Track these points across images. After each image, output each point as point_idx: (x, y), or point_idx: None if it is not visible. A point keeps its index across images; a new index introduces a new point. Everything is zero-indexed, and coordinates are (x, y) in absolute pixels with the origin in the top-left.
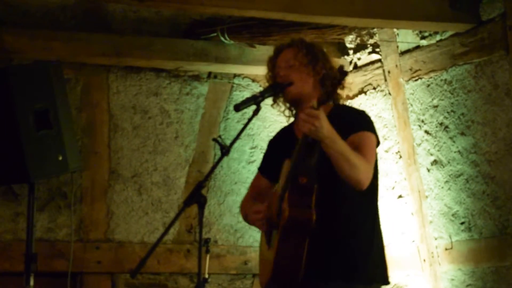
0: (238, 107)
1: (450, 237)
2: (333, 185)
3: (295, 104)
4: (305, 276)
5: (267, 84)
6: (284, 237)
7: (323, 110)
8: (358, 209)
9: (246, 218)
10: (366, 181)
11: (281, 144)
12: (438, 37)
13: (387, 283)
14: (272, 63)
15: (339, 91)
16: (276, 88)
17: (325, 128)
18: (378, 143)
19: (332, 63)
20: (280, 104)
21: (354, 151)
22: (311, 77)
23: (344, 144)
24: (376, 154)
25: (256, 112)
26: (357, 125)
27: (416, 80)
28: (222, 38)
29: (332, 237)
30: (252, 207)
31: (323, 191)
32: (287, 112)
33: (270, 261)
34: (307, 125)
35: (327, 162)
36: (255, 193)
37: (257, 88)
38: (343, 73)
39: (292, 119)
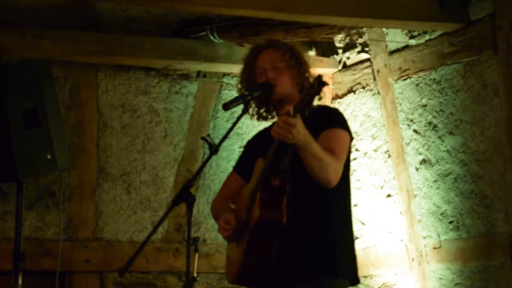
0: (227, 106)
1: (438, 236)
2: (305, 185)
3: (279, 105)
4: (274, 274)
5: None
6: (253, 236)
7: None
8: (328, 208)
9: (217, 220)
10: (335, 180)
11: (258, 144)
12: (427, 37)
13: (356, 281)
14: (252, 64)
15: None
16: (265, 87)
17: (301, 133)
18: (351, 139)
19: (311, 69)
20: (254, 106)
21: (325, 147)
22: (294, 79)
23: (316, 145)
24: (348, 150)
25: (245, 111)
26: (329, 122)
27: (405, 79)
28: (212, 37)
29: (301, 236)
30: (223, 215)
31: (294, 191)
32: (263, 114)
33: (238, 258)
34: (284, 133)
35: (299, 163)
36: (228, 192)
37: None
38: (321, 84)
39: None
